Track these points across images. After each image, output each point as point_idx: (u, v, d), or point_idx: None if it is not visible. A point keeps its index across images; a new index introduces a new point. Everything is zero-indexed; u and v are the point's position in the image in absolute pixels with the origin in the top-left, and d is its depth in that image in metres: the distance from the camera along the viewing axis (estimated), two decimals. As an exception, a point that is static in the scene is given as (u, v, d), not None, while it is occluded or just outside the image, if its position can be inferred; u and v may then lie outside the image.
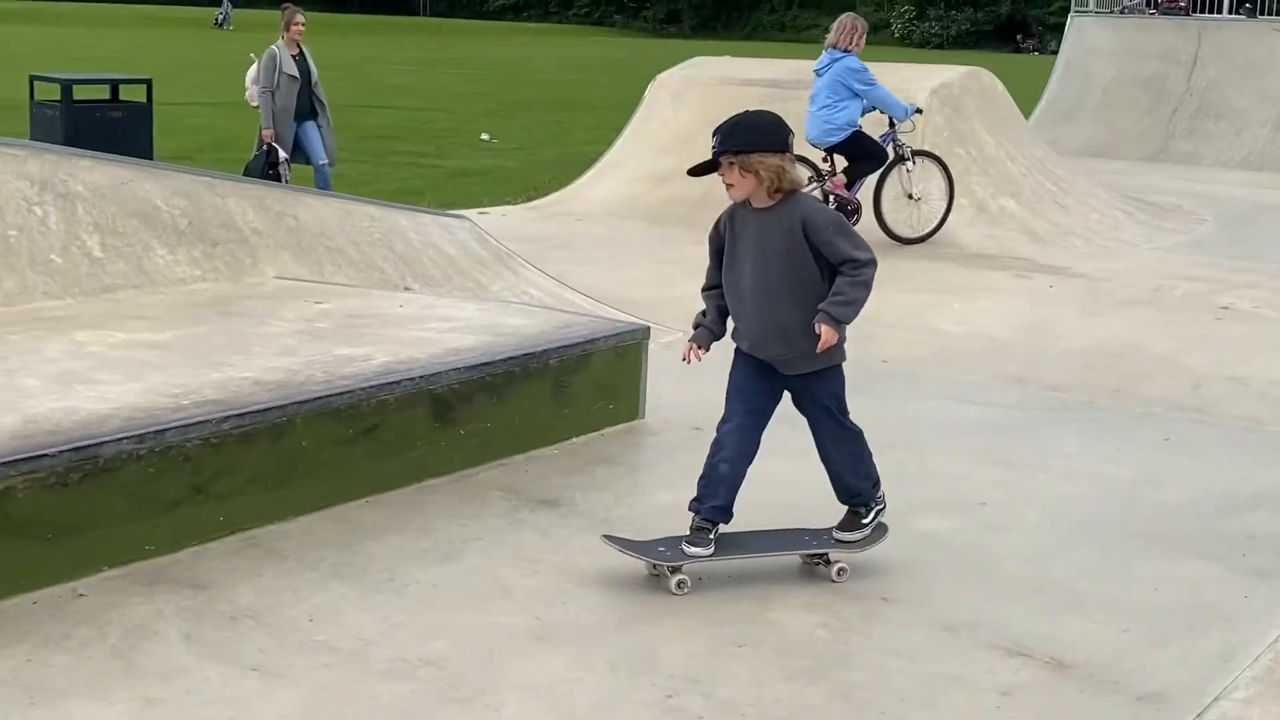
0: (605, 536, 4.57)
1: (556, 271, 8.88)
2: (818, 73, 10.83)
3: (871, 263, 4.34)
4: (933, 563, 4.77)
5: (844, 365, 4.50)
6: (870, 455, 4.60)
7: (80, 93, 13.48)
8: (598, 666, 3.92)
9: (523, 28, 74.28)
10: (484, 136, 20.79)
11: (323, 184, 11.67)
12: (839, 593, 4.48)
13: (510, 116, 24.41)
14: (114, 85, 13.95)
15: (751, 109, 4.51)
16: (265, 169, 11.25)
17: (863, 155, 10.70)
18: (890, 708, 3.75)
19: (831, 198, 10.53)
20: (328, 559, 4.56)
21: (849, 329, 4.38)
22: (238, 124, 19.99)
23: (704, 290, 4.58)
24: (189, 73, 29.50)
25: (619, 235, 11.58)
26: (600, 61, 44.06)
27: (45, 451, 4.21)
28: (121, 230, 6.58)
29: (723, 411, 4.52)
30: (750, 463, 4.49)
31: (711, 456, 4.49)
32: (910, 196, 11.10)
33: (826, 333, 4.27)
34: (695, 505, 4.49)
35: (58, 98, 13.31)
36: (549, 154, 18.64)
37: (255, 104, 11.63)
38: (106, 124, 13.05)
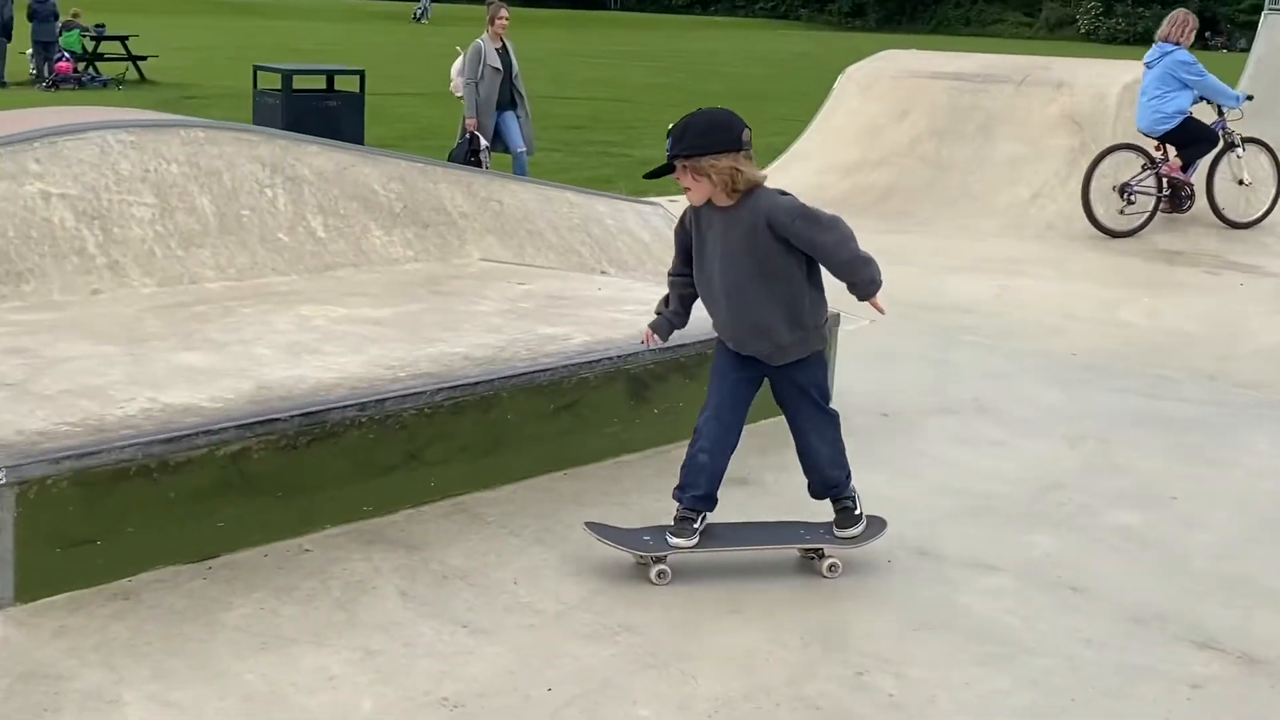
0: (588, 524, 4.40)
1: (745, 259, 8.89)
2: (1148, 65, 11.11)
3: (844, 231, 4.14)
4: (1122, 555, 4.68)
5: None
6: (844, 446, 4.43)
7: (299, 82, 13.98)
8: (790, 641, 3.95)
9: (709, 21, 74.29)
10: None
11: (520, 171, 11.89)
12: (1027, 580, 4.43)
13: (697, 107, 24.45)
14: (330, 76, 14.44)
15: (706, 107, 4.27)
16: (467, 156, 11.51)
17: (1193, 140, 10.88)
18: (1080, 695, 3.70)
19: (1166, 180, 10.85)
20: (530, 526, 4.68)
21: (885, 301, 4.26)
22: (440, 113, 20.48)
23: (670, 275, 4.42)
24: (395, 64, 30.28)
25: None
26: (785, 55, 43.82)
27: (277, 416, 4.40)
28: (342, 212, 6.83)
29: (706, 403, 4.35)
30: (731, 452, 4.32)
31: (692, 445, 4.32)
32: (1240, 182, 11.23)
33: (876, 303, 4.21)
34: (678, 494, 4.34)
35: (279, 86, 13.82)
36: (735, 145, 18.63)
37: (459, 94, 11.90)
38: (323, 112, 13.52)
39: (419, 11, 57.49)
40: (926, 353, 7.31)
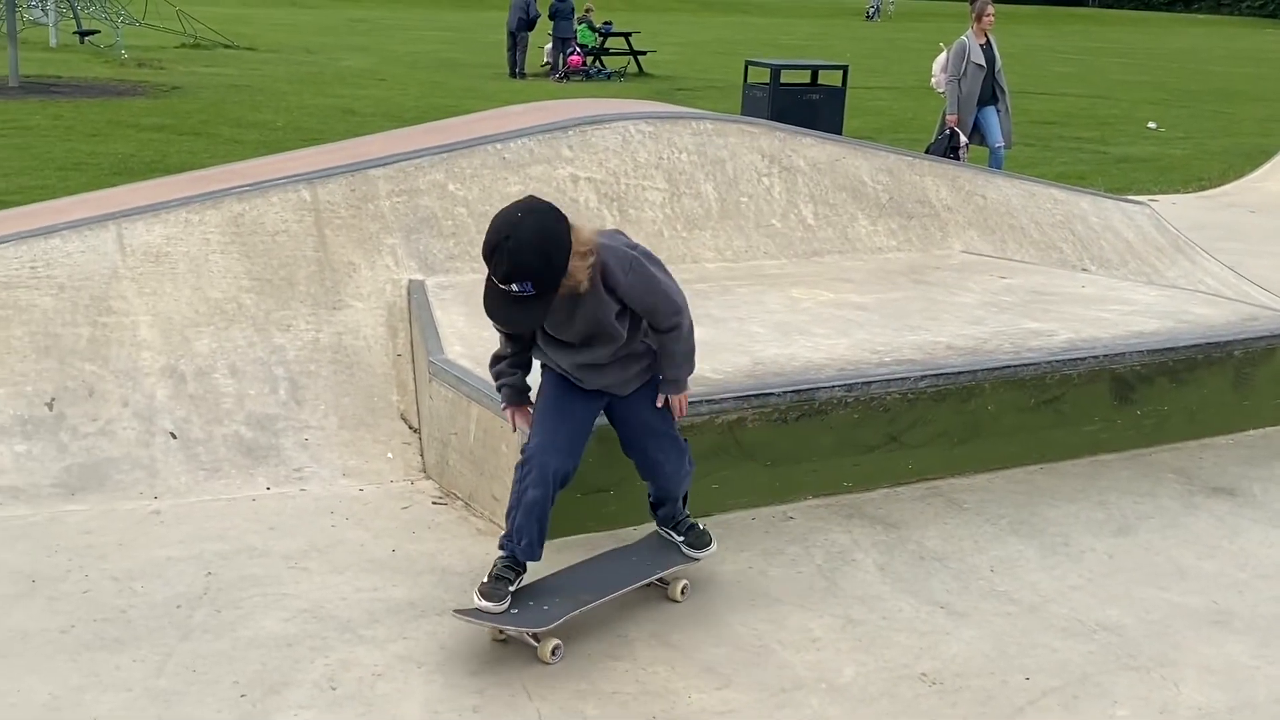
0: (456, 611, 3.57)
1: (1230, 263, 8.29)
2: None
3: (681, 314, 3.58)
4: None
5: None
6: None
7: (785, 76, 14.21)
8: (1277, 658, 3.66)
9: (1191, 19, 69.45)
10: (1150, 125, 19.71)
11: (996, 165, 11.57)
12: None
13: (1176, 106, 22.96)
14: (814, 70, 14.58)
15: (507, 226, 3.28)
16: (946, 151, 11.33)
17: None
18: None
19: None
20: (1005, 516, 4.57)
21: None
22: (913, 106, 20.28)
23: (498, 362, 3.68)
24: (869, 59, 30.22)
25: (1297, 230, 10.61)
26: (1274, 54, 40.29)
27: (771, 390, 4.52)
28: (832, 201, 6.90)
29: (534, 429, 3.64)
30: (564, 487, 3.60)
31: (520, 482, 3.55)
32: None
33: (676, 402, 3.71)
34: (505, 543, 3.58)
35: (766, 80, 14.11)
36: (1217, 144, 17.37)
37: (941, 90, 11.72)
38: (805, 104, 13.68)
39: (871, 10, 56.91)
40: None
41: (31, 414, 4.55)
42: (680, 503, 3.96)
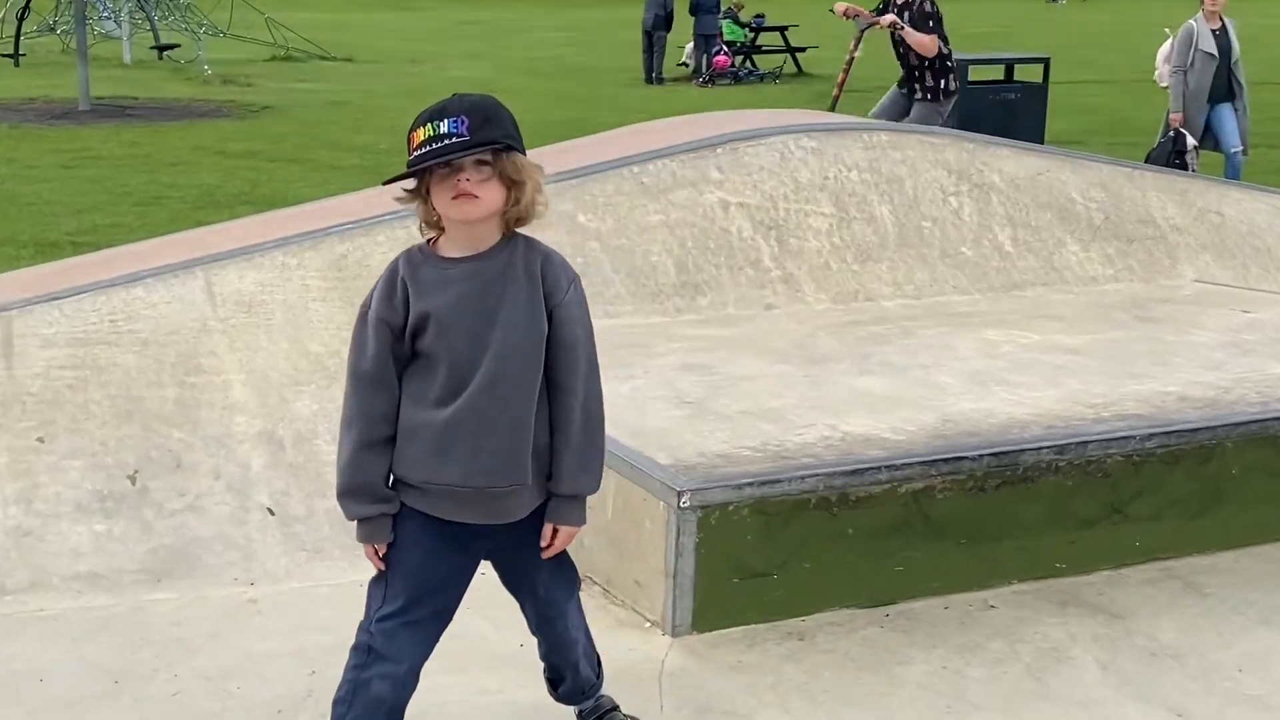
0: None
1: None
2: None
3: (597, 374, 3.16)
4: None
5: None
6: None
7: (975, 74, 14.14)
8: None
9: None
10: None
11: (1233, 174, 11.37)
12: None
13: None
14: (1010, 64, 14.49)
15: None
16: (1170, 157, 11.16)
17: None
18: None
19: None
20: (1255, 603, 4.47)
21: None
22: (1131, 105, 19.98)
23: (359, 446, 3.08)
24: (1080, 48, 29.85)
25: None
26: None
27: (964, 454, 4.49)
28: (1034, 224, 6.85)
29: (385, 600, 3.16)
30: (418, 676, 3.22)
31: (362, 669, 3.15)
32: None
33: (564, 536, 3.20)
34: None
35: (951, 79, 14.06)
36: None
37: (1165, 84, 11.57)
38: (1000, 106, 13.60)
39: None
40: None
41: (112, 488, 4.75)
42: (596, 670, 3.54)
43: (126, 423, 4.92)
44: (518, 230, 3.10)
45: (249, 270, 5.48)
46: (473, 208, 2.98)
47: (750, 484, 4.20)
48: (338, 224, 5.77)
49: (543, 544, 3.19)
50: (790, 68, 26.72)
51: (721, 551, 4.18)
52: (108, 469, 4.79)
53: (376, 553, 3.14)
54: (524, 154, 3.04)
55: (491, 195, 2.99)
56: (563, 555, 3.28)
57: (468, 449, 3.03)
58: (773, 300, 6.17)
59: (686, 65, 26.90)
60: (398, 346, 3.06)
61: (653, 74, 25.53)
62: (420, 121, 2.98)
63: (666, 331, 5.74)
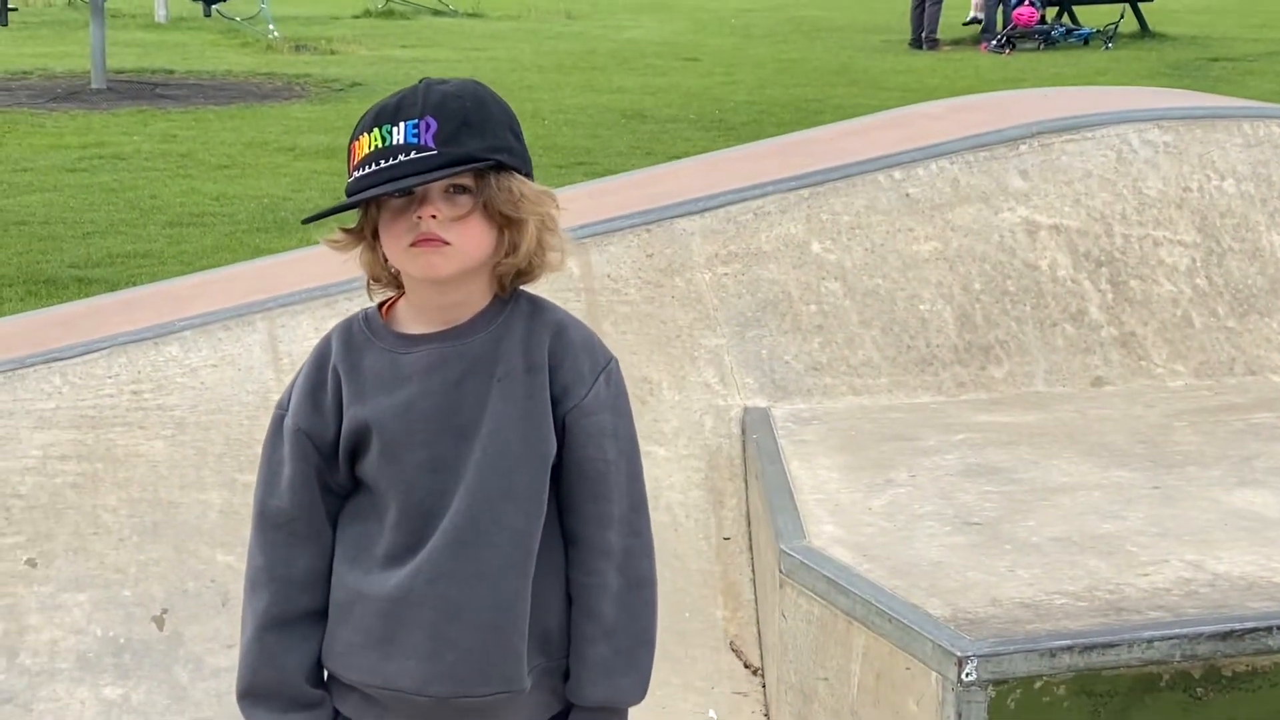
0: None
1: None
2: None
3: (647, 528, 3.11)
4: None
5: None
6: None
7: None
8: None
9: None
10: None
11: None
12: None
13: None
14: None
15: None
16: None
17: None
18: None
19: None
20: None
21: None
22: None
23: (267, 625, 2.95)
24: None
25: None
26: None
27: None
28: None
29: None
30: None
31: None
32: None
33: None
34: None
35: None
36: None
37: None
38: None
39: None
40: None
41: (131, 634, 4.83)
42: None
43: (153, 540, 4.99)
44: (521, 289, 2.99)
45: (330, 319, 5.56)
46: (441, 260, 2.83)
47: (1070, 648, 4.14)
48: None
49: None
50: (1130, 23, 26.51)
51: (1024, 747, 4.14)
52: (125, 607, 4.87)
53: None
54: (528, 174, 2.91)
55: (471, 239, 2.84)
56: None
57: (425, 636, 2.89)
58: (1104, 372, 6.10)
59: (978, 21, 26.87)
60: (328, 472, 2.93)
61: (923, 35, 25.55)
62: (364, 126, 2.85)
63: (943, 416, 5.70)
